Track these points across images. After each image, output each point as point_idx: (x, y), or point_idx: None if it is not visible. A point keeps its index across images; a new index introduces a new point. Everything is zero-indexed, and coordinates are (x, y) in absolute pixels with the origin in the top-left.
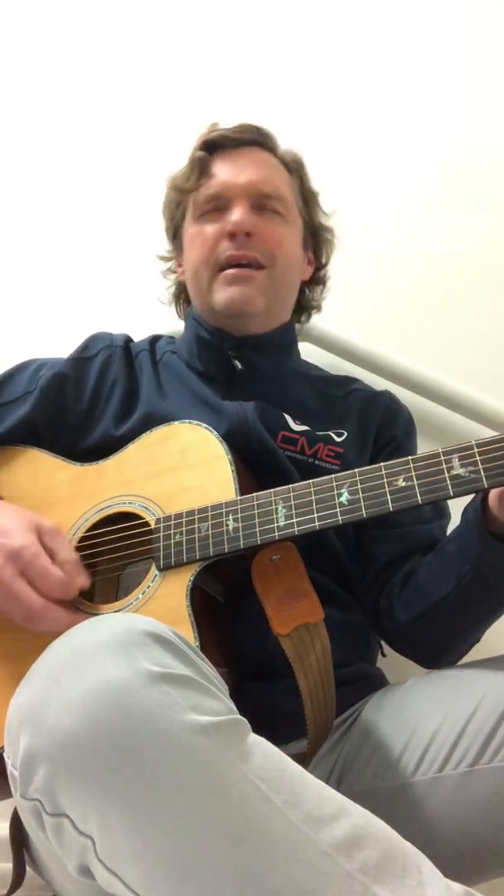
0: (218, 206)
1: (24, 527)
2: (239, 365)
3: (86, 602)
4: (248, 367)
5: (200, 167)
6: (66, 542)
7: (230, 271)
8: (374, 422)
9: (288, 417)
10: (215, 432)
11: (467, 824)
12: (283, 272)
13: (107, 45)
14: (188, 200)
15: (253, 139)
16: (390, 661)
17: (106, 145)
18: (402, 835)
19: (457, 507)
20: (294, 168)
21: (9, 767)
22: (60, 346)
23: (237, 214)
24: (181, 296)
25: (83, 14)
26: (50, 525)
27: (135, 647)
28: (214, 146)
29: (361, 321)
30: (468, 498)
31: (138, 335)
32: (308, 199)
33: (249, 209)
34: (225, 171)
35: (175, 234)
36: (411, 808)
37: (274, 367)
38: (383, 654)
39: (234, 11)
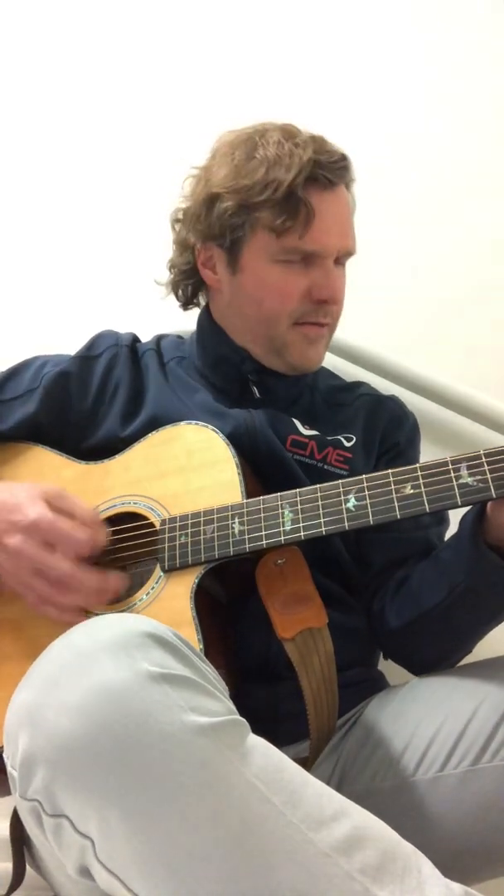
0: (305, 259)
1: (32, 497)
2: (257, 393)
3: None
4: (263, 392)
5: (300, 213)
6: (77, 499)
7: (312, 330)
8: (379, 427)
9: (297, 422)
10: (221, 434)
11: (467, 824)
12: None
13: (107, 37)
14: (265, 231)
15: (345, 177)
16: (392, 663)
17: (109, 141)
18: (402, 834)
19: (457, 514)
20: (350, 189)
21: (8, 768)
22: (66, 343)
23: (335, 285)
24: (191, 285)
25: (83, 12)
26: (55, 488)
27: (134, 648)
28: (312, 181)
29: (368, 324)
30: None
31: (145, 334)
32: None
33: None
34: (326, 227)
35: (231, 245)
36: (412, 808)
37: (288, 390)
38: (385, 658)
39: (234, 9)
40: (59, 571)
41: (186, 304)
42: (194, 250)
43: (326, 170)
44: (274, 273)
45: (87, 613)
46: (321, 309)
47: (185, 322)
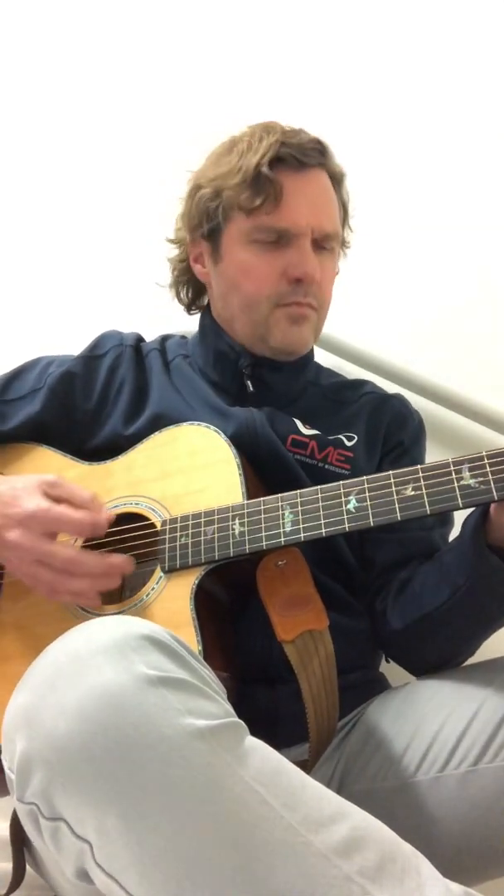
0: (280, 239)
1: (28, 488)
2: (251, 387)
3: None
4: (259, 387)
5: (268, 190)
6: (74, 485)
7: (295, 309)
8: (382, 426)
9: (297, 422)
10: (223, 434)
11: (468, 824)
12: (327, 310)
13: (109, 39)
14: (237, 211)
15: (319, 160)
16: (393, 664)
17: (112, 143)
18: (403, 834)
19: (461, 515)
20: (339, 182)
21: (6, 771)
22: (70, 343)
23: (309, 263)
24: (189, 285)
25: (83, 18)
26: (51, 477)
27: (131, 650)
28: (280, 161)
29: (370, 325)
30: None
31: (149, 335)
32: (345, 213)
33: (313, 249)
34: (296, 204)
35: (209, 234)
36: (412, 808)
37: (286, 385)
38: (387, 660)
39: (235, 9)
40: (61, 558)
41: (189, 306)
42: (187, 248)
43: (294, 150)
44: (250, 255)
45: (91, 613)
46: (300, 288)
47: (190, 323)
